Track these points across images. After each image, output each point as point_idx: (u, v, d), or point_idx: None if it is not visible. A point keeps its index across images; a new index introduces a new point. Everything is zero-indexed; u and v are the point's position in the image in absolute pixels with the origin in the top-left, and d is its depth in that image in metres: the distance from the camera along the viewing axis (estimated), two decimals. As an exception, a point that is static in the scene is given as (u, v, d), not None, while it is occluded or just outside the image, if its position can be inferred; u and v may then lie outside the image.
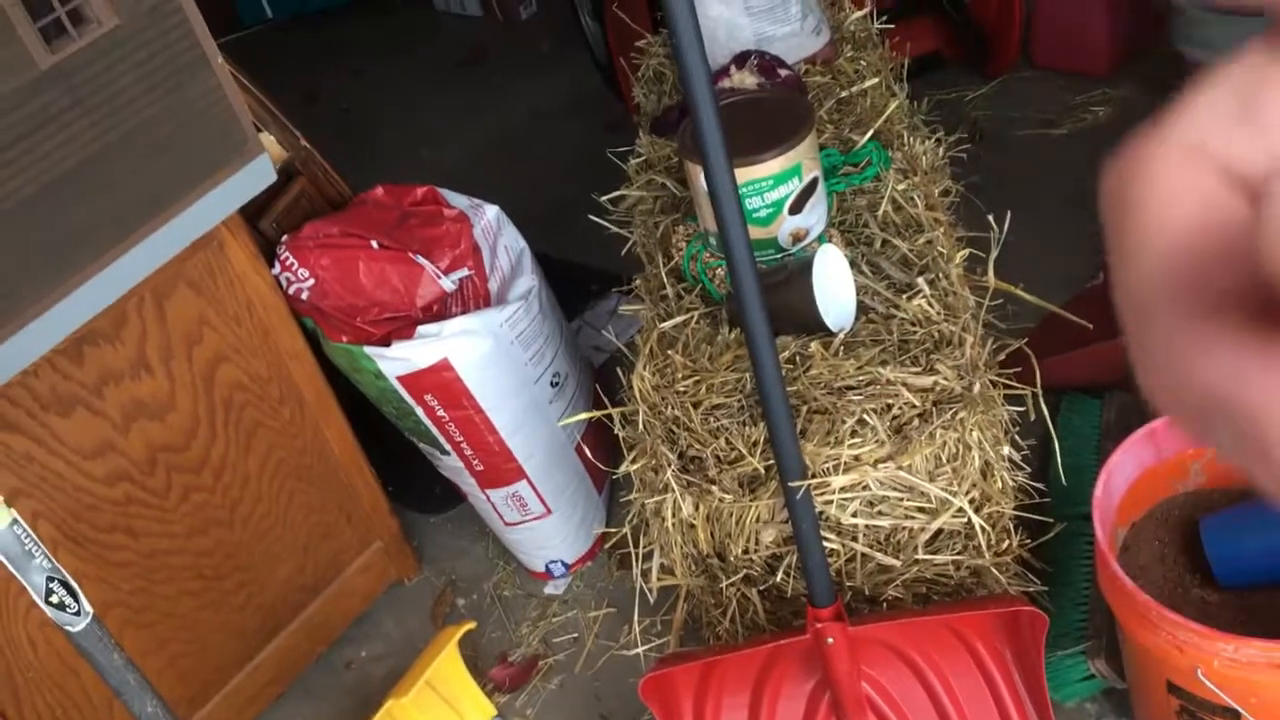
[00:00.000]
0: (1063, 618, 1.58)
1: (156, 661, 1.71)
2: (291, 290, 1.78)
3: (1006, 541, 1.47)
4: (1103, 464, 1.41)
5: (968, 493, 1.38)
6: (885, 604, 1.48)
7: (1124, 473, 1.42)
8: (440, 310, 1.81)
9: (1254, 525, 1.37)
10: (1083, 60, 2.80)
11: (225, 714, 1.84)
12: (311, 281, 1.78)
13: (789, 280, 1.44)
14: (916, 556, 1.42)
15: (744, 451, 1.39)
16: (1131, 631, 1.30)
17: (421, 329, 1.75)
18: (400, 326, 1.78)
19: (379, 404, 1.88)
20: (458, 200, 1.89)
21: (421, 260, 1.79)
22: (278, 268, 1.78)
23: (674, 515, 1.46)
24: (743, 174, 1.40)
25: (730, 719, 1.53)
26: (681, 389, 1.47)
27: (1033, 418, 1.40)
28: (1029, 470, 1.49)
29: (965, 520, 1.39)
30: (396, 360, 1.74)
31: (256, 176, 1.58)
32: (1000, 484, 1.42)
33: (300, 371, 1.82)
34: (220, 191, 1.53)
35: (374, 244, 1.79)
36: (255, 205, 1.80)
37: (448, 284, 1.80)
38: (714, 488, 1.40)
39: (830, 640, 1.39)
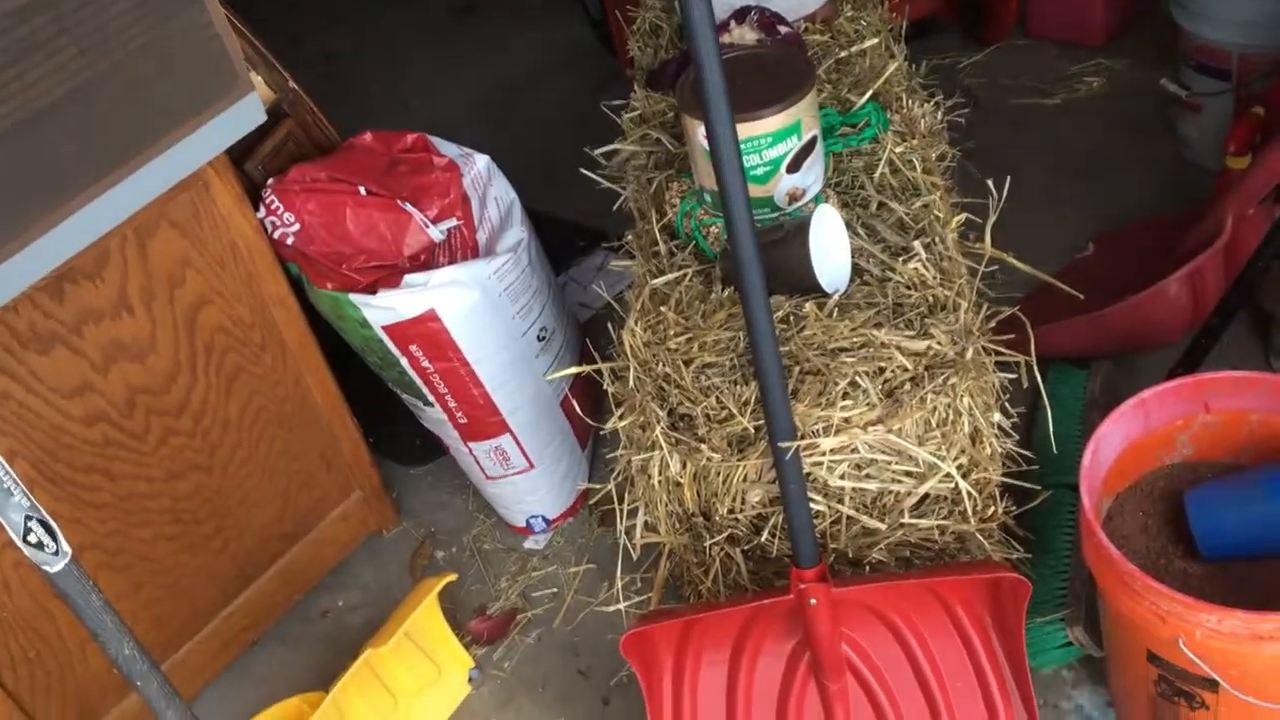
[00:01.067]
0: (1042, 585, 1.58)
1: (131, 605, 1.70)
2: (276, 234, 1.75)
3: (992, 508, 1.47)
4: (1090, 434, 1.41)
5: (956, 458, 1.38)
6: (868, 567, 1.48)
7: (1112, 443, 1.42)
8: (428, 260, 1.79)
9: (1238, 498, 1.38)
10: (1078, 30, 2.78)
11: (200, 659, 1.83)
12: (297, 226, 1.75)
13: (785, 240, 1.43)
14: (902, 520, 1.42)
15: (734, 411, 1.38)
16: (1114, 600, 1.31)
17: (408, 278, 1.73)
18: (387, 275, 1.75)
19: (363, 353, 1.86)
20: (448, 149, 1.87)
21: (410, 208, 1.77)
22: (263, 211, 1.75)
23: (661, 473, 1.46)
24: (741, 130, 1.38)
25: (710, 676, 1.53)
26: (673, 346, 1.46)
27: (1025, 385, 1.40)
28: (1016, 438, 1.49)
29: (952, 485, 1.39)
30: (382, 309, 1.72)
31: (245, 115, 1.55)
32: (989, 450, 1.42)
33: (284, 317, 1.79)
34: (208, 129, 1.50)
35: (362, 190, 1.76)
36: (241, 147, 1.76)
37: (436, 233, 1.77)
38: (703, 446, 1.40)
39: (813, 601, 1.39)
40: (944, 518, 1.44)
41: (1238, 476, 1.42)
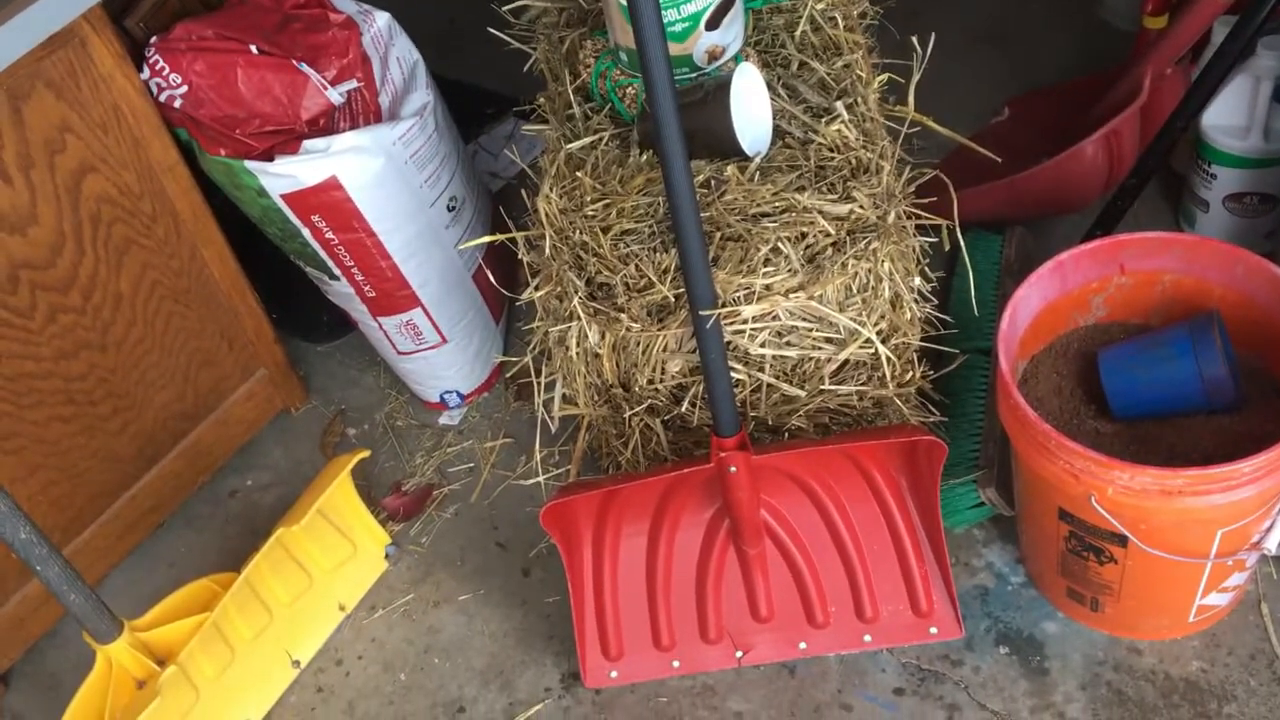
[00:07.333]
0: (955, 448, 1.61)
1: (27, 488, 1.63)
2: (163, 97, 1.64)
3: (910, 373, 1.48)
4: (1006, 298, 1.41)
5: (876, 324, 1.37)
6: (787, 434, 1.48)
7: (1029, 306, 1.43)
8: (327, 125, 1.69)
9: (1148, 358, 1.40)
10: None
11: (103, 542, 1.78)
12: (185, 88, 1.64)
13: (705, 100, 1.38)
14: (822, 387, 1.42)
15: (654, 279, 1.35)
16: (1028, 460, 1.33)
17: (308, 144, 1.64)
18: (284, 141, 1.66)
19: (262, 225, 1.77)
20: (345, 5, 1.76)
21: (306, 69, 1.67)
22: (147, 72, 1.64)
23: (579, 344, 1.43)
24: (659, -17, 1.32)
25: (630, 546, 1.54)
26: (590, 213, 1.41)
27: (947, 248, 1.39)
28: (935, 302, 1.49)
29: (872, 351, 1.39)
30: (281, 177, 1.63)
31: (120, -36, 1.43)
32: (909, 315, 1.42)
33: (174, 186, 1.69)
34: (79, -22, 1.38)
35: (253, 49, 1.65)
36: (120, 1, 1.64)
37: (335, 96, 1.68)
38: (622, 316, 1.37)
39: (733, 469, 1.39)
40: (863, 383, 1.44)
41: (1148, 336, 1.44)
